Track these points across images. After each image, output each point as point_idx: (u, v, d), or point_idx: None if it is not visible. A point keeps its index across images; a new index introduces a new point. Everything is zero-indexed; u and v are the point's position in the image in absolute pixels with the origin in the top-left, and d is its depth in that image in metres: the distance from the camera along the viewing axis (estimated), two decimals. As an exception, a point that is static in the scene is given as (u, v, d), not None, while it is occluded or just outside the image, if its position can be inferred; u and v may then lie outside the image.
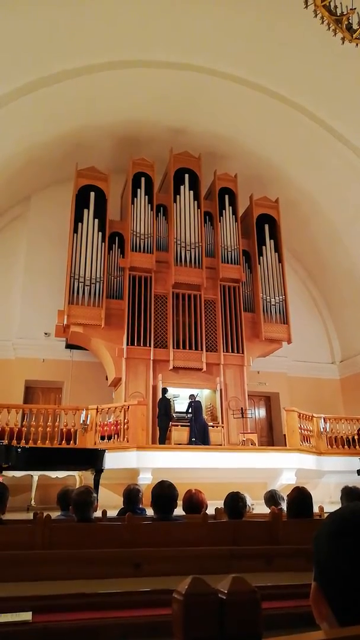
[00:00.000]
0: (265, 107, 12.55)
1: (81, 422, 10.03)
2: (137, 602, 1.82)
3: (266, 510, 4.16)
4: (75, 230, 12.49)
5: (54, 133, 12.98)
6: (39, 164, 13.69)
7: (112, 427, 10.18)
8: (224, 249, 13.39)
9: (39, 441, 9.61)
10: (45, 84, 11.28)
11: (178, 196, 13.31)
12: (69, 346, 13.28)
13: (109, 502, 6.55)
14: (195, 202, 13.41)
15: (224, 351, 12.59)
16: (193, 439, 10.66)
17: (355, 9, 5.78)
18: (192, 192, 13.45)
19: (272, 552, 2.58)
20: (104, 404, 10.76)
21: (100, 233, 12.63)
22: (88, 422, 10.04)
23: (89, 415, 10.12)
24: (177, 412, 11.61)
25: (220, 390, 12.20)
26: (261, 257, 13.98)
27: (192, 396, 11.47)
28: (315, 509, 4.00)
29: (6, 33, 9.95)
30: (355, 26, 5.80)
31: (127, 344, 11.89)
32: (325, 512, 4.12)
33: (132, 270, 12.56)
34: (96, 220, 12.66)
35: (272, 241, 14.24)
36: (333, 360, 16.13)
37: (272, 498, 4.51)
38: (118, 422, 10.12)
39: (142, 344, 11.99)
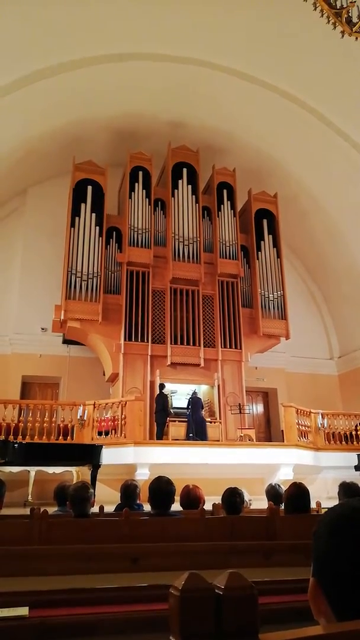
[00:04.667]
0: (265, 101, 12.49)
1: (78, 417, 10.03)
2: (134, 597, 1.81)
3: (265, 504, 4.17)
4: (73, 225, 12.43)
5: (51, 126, 12.89)
6: (36, 157, 13.61)
7: (110, 423, 10.17)
8: (222, 244, 13.36)
9: (36, 437, 9.60)
10: (43, 77, 11.19)
11: (176, 190, 13.26)
12: (66, 341, 13.25)
13: (106, 498, 6.54)
14: (194, 196, 13.36)
15: (221, 347, 12.58)
16: (190, 435, 10.67)
17: (355, 1, 5.74)
18: (190, 186, 13.39)
19: (270, 548, 2.58)
20: (101, 400, 10.75)
21: (97, 227, 12.58)
22: (85, 418, 10.04)
23: (86, 411, 10.11)
24: (174, 408, 11.61)
25: (218, 386, 12.20)
26: (259, 253, 13.95)
27: (193, 392, 11.44)
28: (313, 505, 4.01)
29: (3, 25, 9.87)
30: (355, 19, 5.76)
31: (125, 340, 11.87)
32: (323, 508, 4.13)
33: (129, 265, 12.52)
34: (93, 215, 12.61)
35: (270, 236, 14.21)
36: (331, 356, 16.15)
37: (273, 492, 4.52)
38: (115, 418, 10.12)
39: (139, 340, 11.97)
